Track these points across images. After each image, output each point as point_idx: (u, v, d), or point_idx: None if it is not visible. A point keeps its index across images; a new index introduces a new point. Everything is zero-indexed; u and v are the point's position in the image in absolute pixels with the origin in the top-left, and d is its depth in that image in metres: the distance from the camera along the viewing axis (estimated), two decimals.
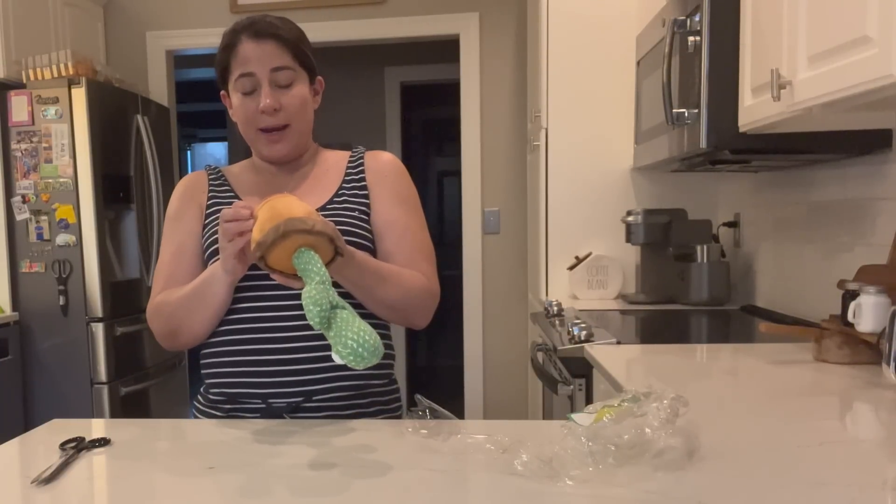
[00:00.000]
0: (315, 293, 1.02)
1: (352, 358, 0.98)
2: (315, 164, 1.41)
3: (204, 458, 1.03)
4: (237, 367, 1.29)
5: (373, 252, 1.34)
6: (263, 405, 1.28)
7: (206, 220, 1.36)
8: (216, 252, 1.29)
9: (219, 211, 1.34)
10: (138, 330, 3.38)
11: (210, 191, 1.39)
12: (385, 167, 1.40)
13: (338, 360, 0.99)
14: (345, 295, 1.27)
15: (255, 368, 1.27)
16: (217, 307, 1.27)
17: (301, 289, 1.06)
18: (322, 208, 1.32)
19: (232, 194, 1.38)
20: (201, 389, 1.39)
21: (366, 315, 1.32)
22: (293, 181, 1.39)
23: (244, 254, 1.17)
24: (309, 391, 1.27)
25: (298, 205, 1.12)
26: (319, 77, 1.40)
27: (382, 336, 1.36)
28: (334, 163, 1.41)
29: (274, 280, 1.15)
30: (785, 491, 0.84)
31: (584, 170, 2.80)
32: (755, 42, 1.66)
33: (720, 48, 1.81)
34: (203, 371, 1.36)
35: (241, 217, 1.14)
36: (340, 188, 1.36)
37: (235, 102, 1.33)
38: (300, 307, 1.26)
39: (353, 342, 0.98)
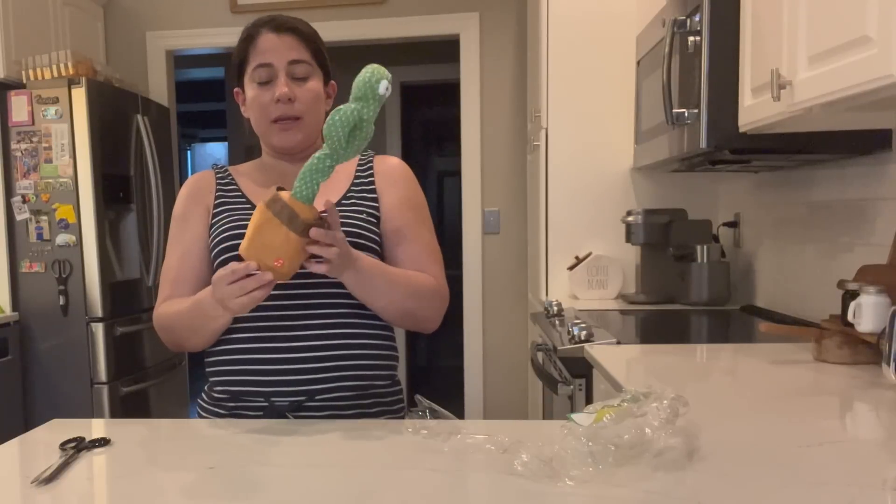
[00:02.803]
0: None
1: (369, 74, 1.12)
2: None
3: (204, 458, 1.03)
4: (240, 366, 1.29)
5: (380, 255, 1.35)
6: (266, 404, 1.28)
7: (213, 219, 1.36)
8: (224, 251, 1.29)
9: (226, 211, 1.35)
10: (138, 330, 3.38)
11: (217, 190, 1.40)
12: (395, 172, 1.41)
13: (383, 89, 1.14)
14: (357, 306, 1.29)
15: (258, 367, 1.28)
16: (219, 332, 1.30)
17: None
18: None
19: (239, 194, 1.38)
20: (205, 388, 1.39)
21: (374, 316, 1.32)
22: None
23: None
24: (312, 390, 1.27)
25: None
26: (333, 81, 1.42)
27: (386, 338, 1.36)
28: (343, 165, 1.41)
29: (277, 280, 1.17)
30: (785, 491, 0.84)
31: (584, 170, 2.80)
32: (755, 42, 1.66)
33: (720, 48, 1.81)
34: (207, 369, 1.36)
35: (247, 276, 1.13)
36: (349, 191, 1.37)
37: (250, 94, 1.34)
38: (303, 307, 1.27)
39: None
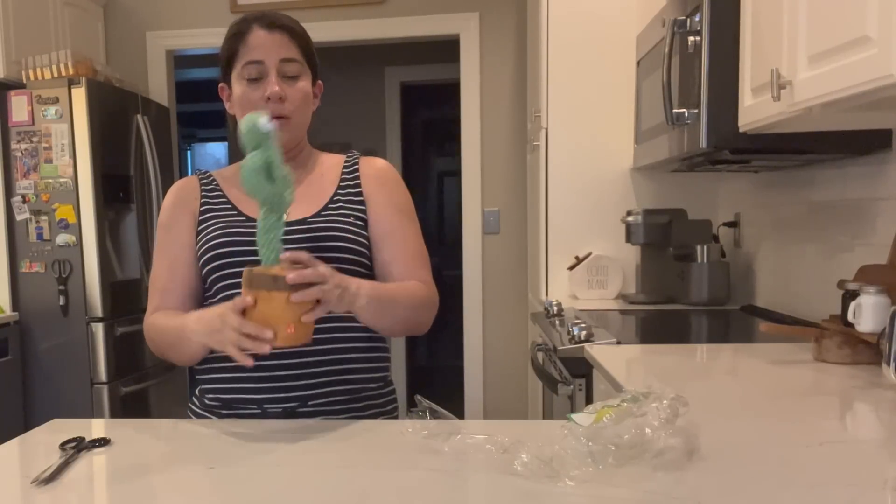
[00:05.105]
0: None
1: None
2: (309, 168, 1.40)
3: (204, 458, 1.03)
4: (232, 373, 1.28)
5: (368, 259, 1.34)
6: (259, 411, 1.28)
7: (199, 226, 1.35)
8: (212, 259, 1.29)
9: (212, 217, 1.34)
10: (138, 330, 3.32)
11: (202, 196, 1.38)
12: (381, 175, 1.40)
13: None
14: (365, 328, 1.29)
15: (249, 374, 1.26)
16: (198, 357, 1.30)
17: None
18: (317, 214, 1.31)
19: (225, 200, 1.37)
20: (196, 392, 1.39)
21: (370, 335, 1.33)
22: None
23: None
24: (304, 396, 1.27)
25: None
26: (319, 81, 1.41)
27: (376, 340, 1.36)
28: (329, 168, 1.41)
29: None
30: (785, 491, 0.84)
31: (584, 170, 2.80)
32: (755, 42, 1.66)
33: (720, 48, 1.81)
34: (198, 377, 1.36)
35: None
36: (335, 194, 1.36)
37: (238, 91, 1.32)
38: None
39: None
